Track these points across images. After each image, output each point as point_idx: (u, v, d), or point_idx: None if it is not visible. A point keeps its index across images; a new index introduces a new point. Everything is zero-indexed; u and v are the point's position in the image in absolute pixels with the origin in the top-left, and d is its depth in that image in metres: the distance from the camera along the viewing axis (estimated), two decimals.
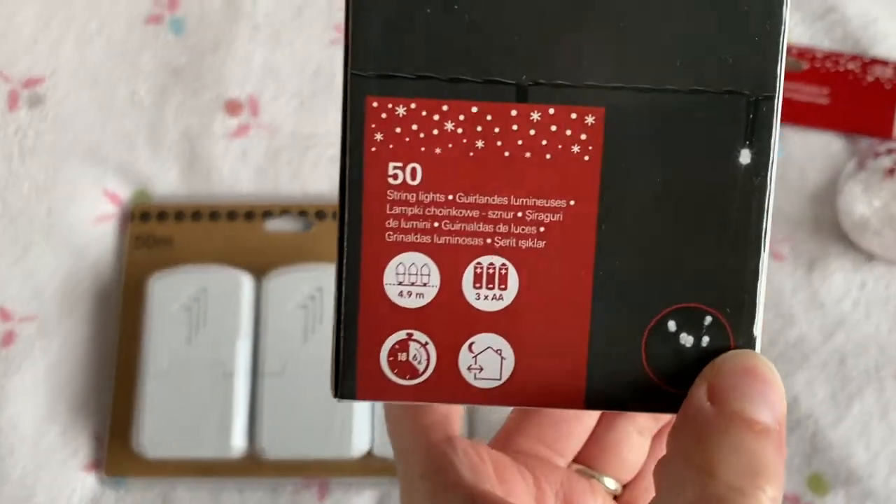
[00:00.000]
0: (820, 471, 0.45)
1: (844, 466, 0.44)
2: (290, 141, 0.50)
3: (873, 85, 0.48)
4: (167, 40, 0.51)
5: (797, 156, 0.49)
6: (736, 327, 0.18)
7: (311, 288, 0.46)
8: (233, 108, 0.51)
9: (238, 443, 0.44)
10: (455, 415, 0.21)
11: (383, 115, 0.17)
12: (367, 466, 0.45)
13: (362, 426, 0.44)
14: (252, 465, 0.45)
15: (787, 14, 0.18)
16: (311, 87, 0.50)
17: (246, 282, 0.46)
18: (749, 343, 0.18)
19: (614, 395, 0.18)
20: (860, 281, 0.47)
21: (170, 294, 0.45)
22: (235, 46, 0.51)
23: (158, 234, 0.49)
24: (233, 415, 0.44)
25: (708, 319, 0.18)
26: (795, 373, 0.46)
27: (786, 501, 0.44)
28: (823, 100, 0.48)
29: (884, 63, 0.48)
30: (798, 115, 0.48)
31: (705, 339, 0.18)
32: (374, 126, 0.17)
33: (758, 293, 0.18)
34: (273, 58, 0.51)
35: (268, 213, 0.49)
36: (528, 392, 0.18)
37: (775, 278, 0.47)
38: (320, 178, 0.50)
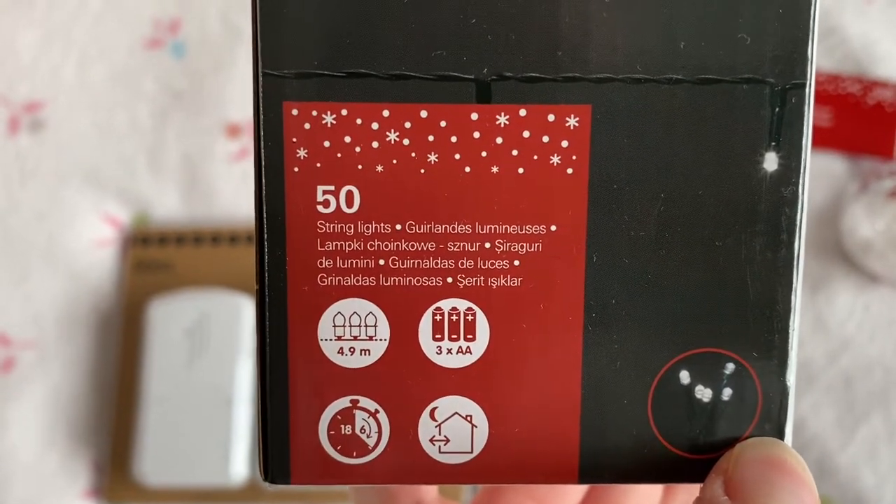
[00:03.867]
0: (828, 495, 0.44)
1: (852, 490, 0.44)
2: None
3: (875, 107, 0.48)
4: (168, 64, 0.51)
5: None
6: (764, 376, 0.14)
7: None
8: (233, 131, 0.50)
9: (238, 470, 0.43)
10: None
11: (307, 126, 0.14)
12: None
13: None
14: (253, 493, 0.44)
15: None
16: None
17: (247, 306, 0.45)
18: (783, 394, 0.14)
19: (615, 465, 0.14)
20: (864, 303, 0.47)
21: (170, 319, 0.45)
22: (235, 70, 0.51)
23: (159, 258, 0.48)
24: (233, 441, 0.43)
25: (729, 367, 0.14)
26: (802, 396, 0.45)
27: None
28: (826, 122, 0.48)
29: (884, 85, 0.48)
30: None
31: (727, 392, 0.14)
32: (295, 140, 0.14)
33: (790, 332, 0.14)
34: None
35: None
36: (507, 467, 0.14)
37: None
38: None
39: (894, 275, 0.46)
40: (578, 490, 0.21)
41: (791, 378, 0.15)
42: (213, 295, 0.46)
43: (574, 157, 0.14)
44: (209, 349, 0.45)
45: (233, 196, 0.49)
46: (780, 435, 0.15)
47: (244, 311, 0.45)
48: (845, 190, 0.48)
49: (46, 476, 0.45)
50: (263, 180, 0.14)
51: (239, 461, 0.43)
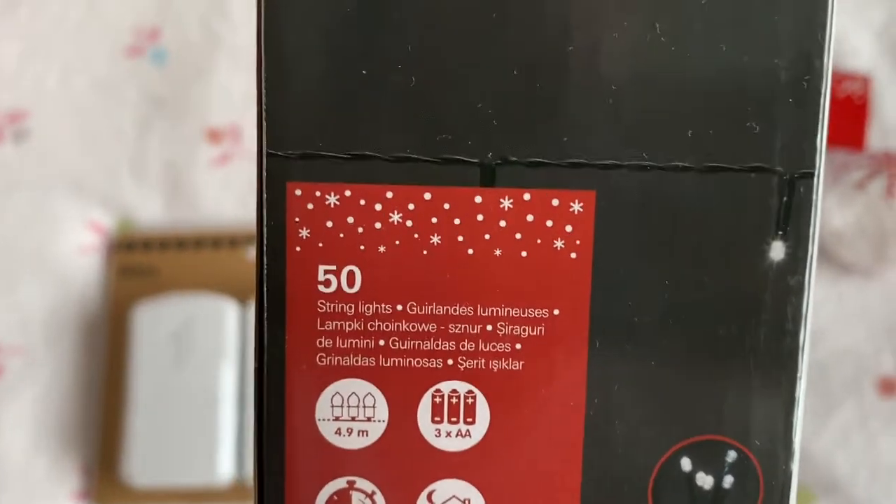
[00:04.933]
0: (804, 482, 0.45)
1: (827, 476, 0.45)
2: None
3: (845, 100, 0.49)
4: (149, 72, 0.51)
5: None
6: (766, 464, 0.14)
7: None
8: (215, 136, 0.51)
9: (225, 470, 0.44)
10: None
11: (309, 206, 0.13)
12: None
13: None
14: (241, 492, 0.45)
15: (829, 66, 0.14)
16: None
17: (230, 309, 0.46)
18: (786, 482, 0.14)
19: None
20: (837, 293, 0.48)
21: (155, 323, 0.46)
22: (216, 75, 0.51)
23: (143, 263, 0.49)
24: (219, 442, 0.44)
25: (731, 455, 0.14)
26: None
27: None
28: None
29: (853, 78, 0.49)
30: None
31: (728, 480, 0.14)
32: (297, 220, 0.13)
33: (794, 421, 0.14)
34: (254, 86, 0.51)
35: (251, 241, 0.49)
36: None
37: None
38: None
39: (866, 264, 0.47)
40: None
41: (794, 466, 0.14)
42: (197, 299, 0.47)
43: (578, 242, 0.14)
44: (194, 352, 0.45)
45: (215, 201, 0.50)
46: None
47: (228, 314, 0.46)
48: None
49: (36, 480, 0.45)
50: (265, 259, 0.14)
51: (225, 461, 0.44)
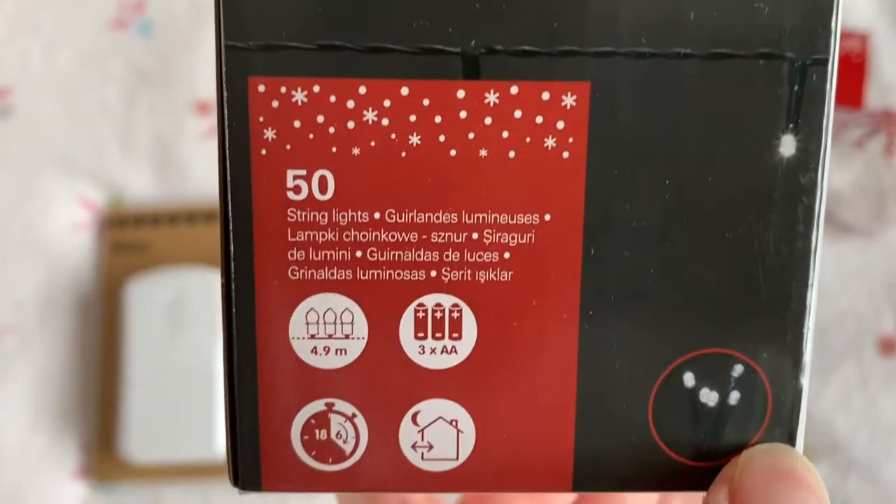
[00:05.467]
0: (805, 441, 0.45)
1: (828, 437, 0.45)
2: None
3: (843, 58, 0.48)
4: (135, 44, 0.51)
5: None
6: (775, 378, 0.13)
7: None
8: (203, 108, 0.50)
9: (222, 444, 0.44)
10: None
11: (275, 104, 0.12)
12: None
13: None
14: None
15: None
16: None
17: None
18: (796, 398, 0.13)
19: (612, 472, 0.13)
20: (837, 253, 0.47)
21: (148, 298, 0.45)
22: (203, 47, 0.50)
23: (135, 239, 0.48)
24: (216, 416, 0.44)
25: (738, 369, 0.13)
26: None
27: None
28: None
29: (851, 35, 0.48)
30: None
31: (734, 396, 0.13)
32: (262, 119, 0.12)
33: (805, 331, 0.13)
34: None
35: None
36: (495, 474, 0.13)
37: None
38: None
39: (865, 224, 0.46)
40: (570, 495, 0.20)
41: (805, 381, 0.13)
42: (189, 273, 0.46)
43: (570, 140, 0.13)
44: (188, 327, 0.45)
45: (206, 174, 0.49)
46: (791, 442, 0.13)
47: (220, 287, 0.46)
48: None
49: (34, 459, 0.45)
50: (228, 164, 0.13)
51: (222, 435, 0.44)
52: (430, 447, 0.13)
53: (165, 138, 0.50)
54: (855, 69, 0.48)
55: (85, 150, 0.49)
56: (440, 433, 0.13)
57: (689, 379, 0.13)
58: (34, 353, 0.47)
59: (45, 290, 0.47)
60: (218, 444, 0.44)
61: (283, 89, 0.12)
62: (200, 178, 0.49)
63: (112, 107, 0.50)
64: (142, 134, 0.50)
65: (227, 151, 0.13)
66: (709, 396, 0.13)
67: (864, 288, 0.46)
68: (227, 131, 0.13)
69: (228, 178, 0.13)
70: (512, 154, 0.13)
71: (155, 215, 0.49)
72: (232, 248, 0.13)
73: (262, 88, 0.12)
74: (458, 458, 0.13)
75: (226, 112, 0.13)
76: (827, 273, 0.47)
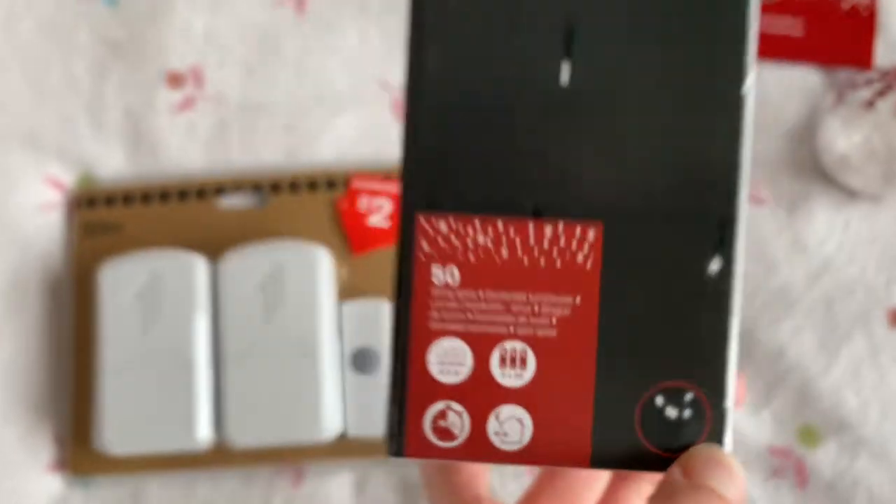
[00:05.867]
0: (810, 421, 0.43)
1: (835, 415, 0.43)
2: (238, 111, 0.47)
3: (850, 13, 0.45)
4: (101, 14, 0.48)
5: (772, 93, 0.47)
6: (712, 403, 0.21)
7: (269, 267, 0.43)
8: (175, 80, 0.48)
9: (204, 433, 0.42)
10: (483, 476, 0.25)
11: (429, 229, 0.20)
12: (342, 449, 0.43)
13: (333, 407, 0.42)
14: (221, 456, 0.43)
15: (748, 147, 0.20)
16: (257, 53, 0.48)
17: (200, 265, 0.43)
18: (722, 415, 0.21)
19: (613, 457, 0.21)
20: (844, 220, 0.45)
21: (121, 283, 0.43)
22: (174, 15, 0.48)
23: (107, 220, 0.46)
24: (196, 405, 0.42)
25: (689, 396, 0.21)
26: (781, 321, 0.44)
27: (776, 456, 0.43)
28: (798, 31, 0.45)
29: None
30: (772, 49, 0.46)
31: (686, 412, 0.21)
32: (422, 240, 0.20)
33: (728, 374, 0.21)
34: (215, 25, 0.48)
35: (220, 190, 0.46)
36: (543, 454, 0.21)
37: (756, 223, 0.45)
38: (273, 149, 0.47)
39: (873, 189, 0.44)
40: (592, 499, 0.27)
41: (730, 403, 0.21)
42: (163, 255, 0.44)
43: (592, 257, 0.20)
44: (164, 311, 0.43)
45: (179, 149, 0.47)
46: (721, 443, 0.21)
47: (197, 269, 0.43)
48: (820, 103, 0.46)
49: (6, 452, 0.43)
50: (402, 262, 0.20)
51: (203, 424, 0.42)
52: (506, 434, 0.20)
53: (136, 112, 0.47)
54: (863, 24, 0.45)
55: (51, 127, 0.47)
56: (511, 426, 0.20)
57: (659, 401, 0.20)
58: (2, 341, 0.44)
59: (13, 274, 0.45)
60: (198, 433, 0.42)
61: (435, 221, 0.20)
62: (173, 154, 0.47)
63: (79, 80, 0.47)
64: (111, 108, 0.47)
65: (402, 254, 0.20)
66: (671, 412, 0.21)
67: (872, 257, 0.44)
68: (403, 243, 0.20)
69: (401, 270, 0.20)
70: (558, 264, 0.20)
71: (127, 194, 0.46)
72: (400, 310, 0.21)
73: (423, 220, 0.20)
74: (521, 442, 0.20)
75: (403, 232, 0.20)
76: (834, 242, 0.45)
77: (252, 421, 0.42)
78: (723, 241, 0.20)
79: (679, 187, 0.20)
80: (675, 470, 0.20)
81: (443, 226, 0.20)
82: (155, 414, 0.42)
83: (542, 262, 0.20)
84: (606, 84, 0.20)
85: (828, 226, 0.45)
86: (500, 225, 0.20)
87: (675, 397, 0.21)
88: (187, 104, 0.48)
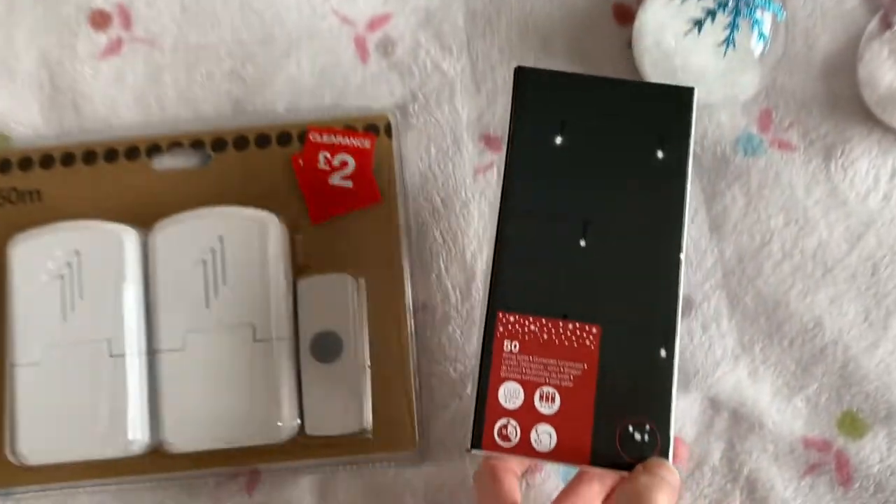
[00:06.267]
0: (854, 408, 0.36)
1: (884, 400, 0.36)
2: (173, 56, 0.40)
3: None
4: None
5: (803, 18, 0.39)
6: (661, 433, 0.31)
7: (210, 238, 0.37)
8: (99, 20, 0.41)
9: (137, 436, 0.36)
10: (518, 486, 0.34)
11: (504, 320, 0.32)
12: (301, 448, 0.37)
13: (289, 402, 0.36)
14: (161, 461, 0.37)
15: (682, 284, 0.33)
16: None
17: (129, 237, 0.37)
18: (667, 442, 0.32)
19: (603, 460, 0.32)
20: (891, 168, 0.38)
21: (36, 260, 0.37)
22: None
23: (23, 185, 0.39)
24: (127, 404, 0.36)
25: (648, 427, 0.32)
26: (816, 290, 0.37)
27: (812, 448, 0.36)
28: None
29: None
30: None
31: (646, 436, 0.31)
32: (500, 325, 0.32)
33: (671, 415, 0.32)
34: None
35: (154, 149, 0.39)
36: (562, 455, 0.32)
37: (785, 174, 0.38)
38: (215, 99, 0.40)
39: None
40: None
41: (672, 433, 0.32)
42: (87, 226, 0.37)
43: (594, 342, 0.33)
44: (86, 294, 0.36)
45: (104, 101, 0.40)
46: (667, 455, 0.31)
47: (126, 243, 0.37)
48: (862, 30, 0.38)
49: None
50: (485, 337, 0.33)
51: (135, 426, 0.36)
52: (540, 442, 0.32)
53: (52, 60, 0.40)
54: None
55: None
56: (544, 437, 0.32)
57: (630, 428, 0.32)
58: None
59: None
60: (131, 436, 0.35)
61: (508, 316, 0.33)
62: (98, 108, 0.40)
63: None
64: (23, 56, 0.40)
65: (483, 339, 0.33)
66: (637, 436, 0.32)
67: None
68: (484, 330, 0.33)
69: (483, 349, 0.33)
70: (575, 345, 0.33)
71: (45, 155, 0.39)
72: (482, 368, 0.33)
73: (500, 315, 0.33)
74: (550, 447, 0.32)
75: (486, 326, 0.33)
76: (879, 195, 0.38)
77: (193, 420, 0.36)
78: (668, 339, 0.32)
79: (645, 309, 0.32)
80: (639, 467, 0.31)
81: (511, 318, 0.33)
82: (79, 416, 0.36)
83: (566, 343, 0.32)
84: (606, 248, 0.33)
85: (871, 175, 0.38)
86: (543, 321, 0.33)
87: (639, 427, 0.32)
88: (113, 49, 0.40)
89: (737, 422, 0.37)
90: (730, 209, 0.38)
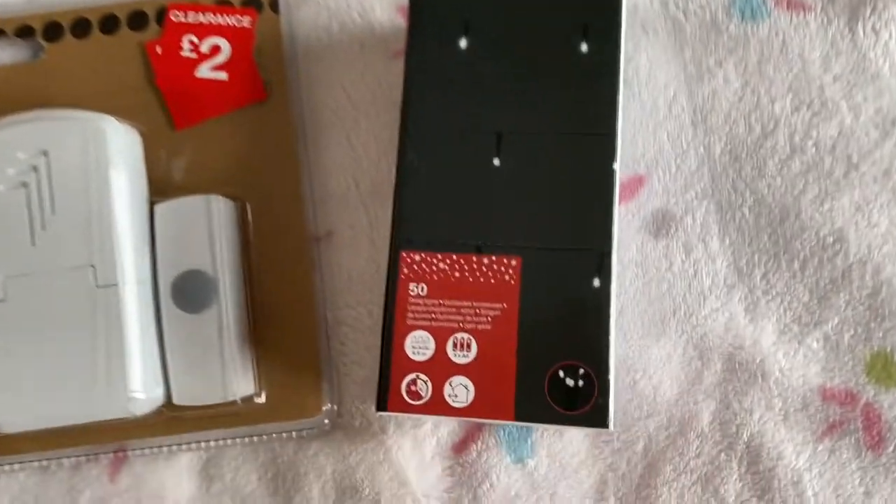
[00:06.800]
0: (887, 348, 0.28)
1: None
2: None
3: None
4: None
5: None
6: (599, 376, 0.27)
7: (29, 153, 0.28)
8: None
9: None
10: None
11: (408, 260, 0.28)
12: (173, 423, 0.29)
13: (142, 366, 0.27)
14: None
15: (616, 203, 0.28)
16: None
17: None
18: (606, 387, 0.27)
19: (529, 413, 0.27)
20: None
21: None
22: None
23: None
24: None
25: (582, 371, 0.27)
26: (837, 194, 0.28)
27: (833, 402, 0.28)
28: None
29: None
30: None
31: (580, 382, 0.27)
32: (403, 266, 0.28)
33: (609, 356, 0.27)
34: None
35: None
36: (482, 410, 0.27)
37: (795, 42, 0.29)
38: None
39: None
40: None
41: (611, 377, 0.27)
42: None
43: (514, 277, 0.28)
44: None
45: None
46: (606, 408, 0.27)
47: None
48: None
49: None
50: (388, 280, 0.28)
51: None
52: (456, 396, 0.27)
53: None
54: None
55: None
56: (460, 391, 0.27)
57: (561, 373, 0.27)
58: None
59: None
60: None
61: (413, 255, 0.28)
62: None
63: None
64: None
65: (388, 279, 0.28)
66: (570, 382, 0.27)
67: None
68: (389, 271, 0.28)
69: (389, 288, 0.28)
70: (493, 281, 0.28)
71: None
72: (387, 312, 0.28)
73: (404, 255, 0.28)
74: (467, 402, 0.27)
75: (391, 264, 0.28)
76: None
77: (21, 392, 0.27)
78: (601, 267, 0.28)
79: (572, 233, 0.28)
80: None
81: (417, 258, 0.28)
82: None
83: (482, 280, 0.28)
84: (524, 165, 0.29)
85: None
86: (454, 257, 0.28)
87: (571, 371, 0.27)
88: None
89: (732, 372, 0.28)
90: (721, 93, 0.29)
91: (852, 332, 0.28)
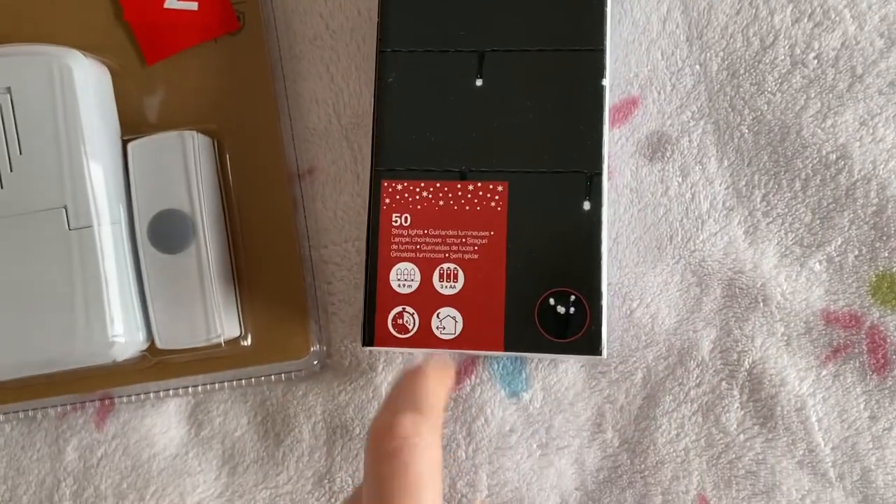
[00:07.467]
0: (891, 267, 0.27)
1: None
2: None
3: None
4: None
5: None
6: (591, 303, 0.27)
7: None
8: None
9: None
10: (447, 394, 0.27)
11: (390, 189, 0.27)
12: (158, 367, 0.28)
13: (122, 310, 0.27)
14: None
15: (607, 121, 0.27)
16: None
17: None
18: (598, 313, 0.27)
19: (519, 343, 0.27)
20: None
21: None
22: None
23: None
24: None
25: (573, 298, 0.27)
26: (842, 109, 0.27)
27: (837, 325, 0.27)
28: None
29: None
30: None
31: (572, 310, 0.27)
32: (385, 196, 0.27)
33: (602, 282, 0.26)
34: None
35: None
36: (470, 341, 0.27)
37: None
38: None
39: None
40: None
41: (604, 303, 0.27)
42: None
43: (501, 203, 0.27)
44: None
45: None
46: (599, 335, 0.27)
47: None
48: None
49: None
50: (370, 212, 0.27)
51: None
52: (444, 328, 0.27)
53: None
54: None
55: None
56: (448, 322, 0.27)
57: (552, 301, 0.27)
58: None
59: None
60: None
61: (394, 183, 0.27)
62: None
63: None
64: None
65: (371, 206, 0.27)
66: (561, 310, 0.27)
67: None
68: (370, 200, 0.27)
69: (370, 217, 0.27)
70: (478, 208, 0.27)
71: None
72: (370, 243, 0.27)
73: (385, 184, 0.27)
74: (455, 333, 0.27)
75: (372, 193, 0.27)
76: None
77: (1, 342, 0.27)
78: (591, 188, 0.27)
79: (560, 154, 0.27)
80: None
81: (399, 187, 0.27)
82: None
83: (467, 208, 0.27)
84: (508, 85, 0.28)
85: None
86: (437, 185, 0.27)
87: (562, 299, 0.27)
88: None
89: (732, 298, 0.27)
90: (717, 6, 0.28)
91: (856, 252, 0.27)
